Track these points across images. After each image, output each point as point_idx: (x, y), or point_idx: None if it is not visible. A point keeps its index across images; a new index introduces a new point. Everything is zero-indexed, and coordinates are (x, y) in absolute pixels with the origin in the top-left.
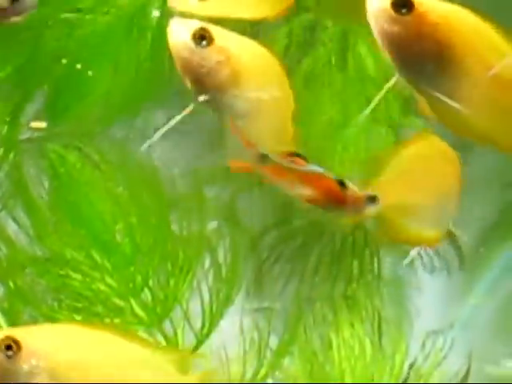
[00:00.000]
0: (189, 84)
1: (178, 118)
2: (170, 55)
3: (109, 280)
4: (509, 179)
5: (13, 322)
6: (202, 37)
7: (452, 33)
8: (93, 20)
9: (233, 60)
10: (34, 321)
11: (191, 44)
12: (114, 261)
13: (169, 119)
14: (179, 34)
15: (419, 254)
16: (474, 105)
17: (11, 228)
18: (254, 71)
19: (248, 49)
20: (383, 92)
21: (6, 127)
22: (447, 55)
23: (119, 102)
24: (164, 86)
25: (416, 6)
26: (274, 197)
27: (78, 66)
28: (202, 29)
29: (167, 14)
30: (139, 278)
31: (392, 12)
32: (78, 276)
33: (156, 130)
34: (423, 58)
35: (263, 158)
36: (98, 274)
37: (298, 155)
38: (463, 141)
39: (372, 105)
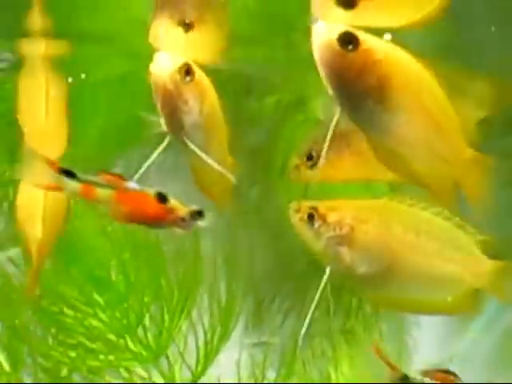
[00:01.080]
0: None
1: (155, 155)
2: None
3: (102, 316)
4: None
5: (12, 358)
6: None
7: (392, 70)
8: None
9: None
10: (33, 357)
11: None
12: (107, 297)
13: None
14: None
15: None
16: (408, 144)
17: (6, 265)
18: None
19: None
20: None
21: (5, 166)
22: (386, 92)
23: (114, 141)
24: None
25: (361, 42)
26: (273, 233)
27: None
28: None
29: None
30: (133, 315)
31: (338, 47)
32: (71, 312)
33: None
34: (364, 93)
35: (69, 176)
36: (91, 311)
37: (118, 175)
38: None
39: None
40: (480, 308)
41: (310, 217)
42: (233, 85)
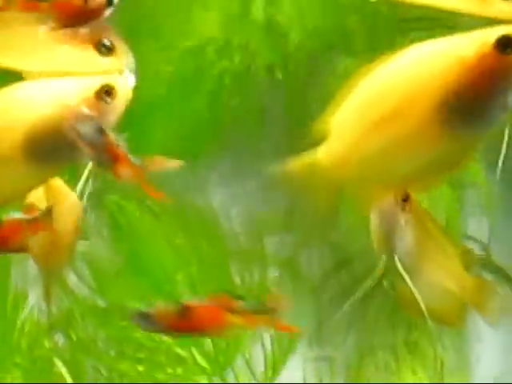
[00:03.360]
0: None
1: None
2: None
3: None
4: None
5: (75, 373)
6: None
7: None
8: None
9: None
10: (97, 372)
11: None
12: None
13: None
14: None
15: None
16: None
17: (71, 279)
18: None
19: None
20: None
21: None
22: None
23: (177, 151)
24: (222, 135)
25: None
26: (335, 246)
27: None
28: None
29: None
30: None
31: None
32: None
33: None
34: None
35: None
36: None
37: None
38: None
39: None
40: (465, 323)
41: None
42: None
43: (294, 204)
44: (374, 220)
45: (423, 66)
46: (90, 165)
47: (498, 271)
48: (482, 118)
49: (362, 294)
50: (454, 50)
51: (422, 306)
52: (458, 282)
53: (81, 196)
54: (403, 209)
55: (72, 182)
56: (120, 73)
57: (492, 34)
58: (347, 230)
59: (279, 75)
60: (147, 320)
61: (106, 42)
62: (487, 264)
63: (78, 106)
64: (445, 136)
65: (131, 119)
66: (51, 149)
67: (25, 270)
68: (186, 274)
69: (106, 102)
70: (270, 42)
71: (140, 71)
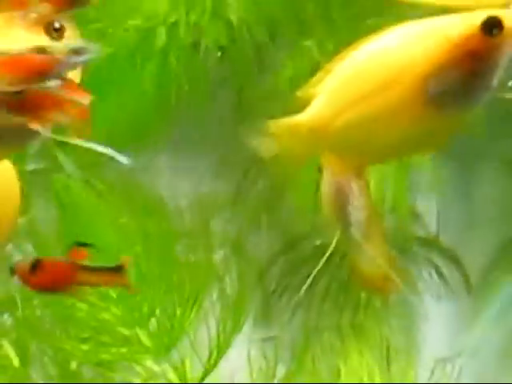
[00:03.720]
0: None
1: None
2: (176, 83)
3: (114, 309)
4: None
5: (21, 353)
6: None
7: None
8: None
9: None
10: (42, 352)
11: None
12: (119, 290)
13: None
14: None
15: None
16: None
17: (17, 259)
18: None
19: None
20: None
21: (12, 157)
22: None
23: (124, 132)
24: (169, 115)
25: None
26: (282, 226)
27: None
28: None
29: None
30: (145, 308)
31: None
32: (84, 306)
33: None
34: None
35: None
36: (103, 304)
37: None
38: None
39: None
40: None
41: None
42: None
43: (241, 184)
44: (327, 189)
45: (411, 43)
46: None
47: (445, 252)
48: (465, 97)
49: (308, 274)
50: (442, 29)
51: (387, 272)
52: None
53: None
54: (358, 175)
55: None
56: None
57: (479, 16)
58: (294, 209)
59: (228, 54)
60: (14, 274)
61: (57, 24)
62: (434, 245)
63: None
64: (428, 113)
65: None
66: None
67: None
68: (131, 253)
69: None
70: (219, 21)
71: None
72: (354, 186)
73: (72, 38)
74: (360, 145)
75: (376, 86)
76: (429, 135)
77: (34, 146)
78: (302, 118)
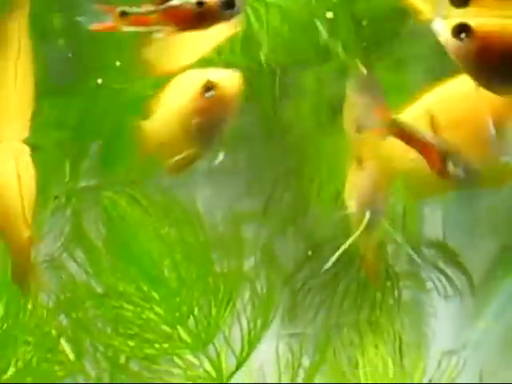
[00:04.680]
0: None
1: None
2: None
3: (157, 309)
4: None
5: (76, 349)
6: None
7: None
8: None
9: None
10: (94, 347)
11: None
12: (161, 293)
13: (208, 169)
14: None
15: (434, 281)
16: None
17: (72, 267)
18: None
19: None
20: None
21: (67, 176)
22: None
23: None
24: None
25: (474, 30)
26: (306, 235)
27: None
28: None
29: None
30: (184, 308)
31: (454, 38)
32: (131, 307)
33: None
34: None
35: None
36: (147, 305)
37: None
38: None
39: None
40: None
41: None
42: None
43: (269, 198)
44: (366, 182)
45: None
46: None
47: (450, 256)
48: None
49: (329, 277)
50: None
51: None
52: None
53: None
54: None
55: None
56: None
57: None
58: (316, 219)
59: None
60: None
61: None
62: (441, 249)
63: None
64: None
65: None
66: None
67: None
68: (172, 260)
69: None
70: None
71: None
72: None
73: None
74: None
75: (453, 120)
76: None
77: (84, 166)
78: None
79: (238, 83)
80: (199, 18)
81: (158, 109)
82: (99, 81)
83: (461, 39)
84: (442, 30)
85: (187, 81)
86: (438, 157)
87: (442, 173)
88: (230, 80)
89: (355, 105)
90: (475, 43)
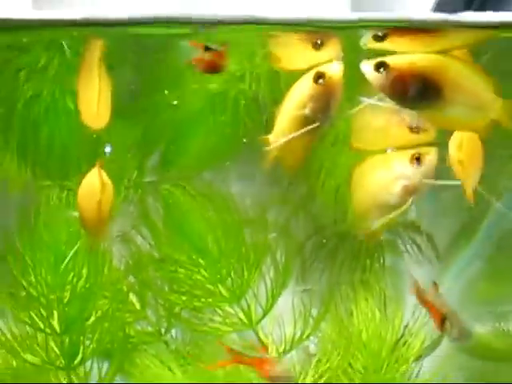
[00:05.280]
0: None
1: None
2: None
3: (203, 273)
4: None
5: (141, 301)
6: (381, 66)
7: (427, 71)
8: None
9: None
10: (156, 300)
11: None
12: (206, 260)
13: (242, 168)
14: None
15: (409, 251)
16: (454, 107)
17: (139, 239)
18: None
19: None
20: None
21: (135, 173)
22: (430, 86)
23: (210, 158)
24: (239, 148)
25: (390, 64)
26: (314, 217)
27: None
28: (379, 61)
29: None
30: (224, 271)
31: (376, 72)
32: (183, 270)
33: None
34: (414, 96)
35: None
36: (196, 269)
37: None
38: None
39: None
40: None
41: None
42: None
43: (287, 188)
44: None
45: None
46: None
47: (421, 231)
48: None
49: (332, 248)
50: None
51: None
52: None
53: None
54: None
55: (139, 175)
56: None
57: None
58: (322, 206)
59: None
60: None
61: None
62: (414, 226)
63: None
64: None
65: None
66: None
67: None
68: (214, 236)
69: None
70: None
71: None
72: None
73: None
74: None
75: None
76: None
77: (149, 165)
78: None
79: (340, 71)
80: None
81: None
82: (165, 98)
83: (380, 73)
84: (367, 68)
85: (300, 81)
86: (439, 316)
87: (441, 329)
88: (334, 69)
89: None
90: (391, 75)
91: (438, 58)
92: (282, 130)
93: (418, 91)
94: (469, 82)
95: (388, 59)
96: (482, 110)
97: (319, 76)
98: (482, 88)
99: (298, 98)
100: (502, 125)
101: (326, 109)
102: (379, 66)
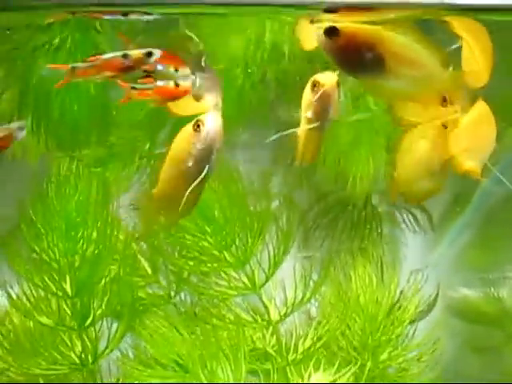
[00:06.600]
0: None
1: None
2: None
3: (210, 239)
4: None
5: (153, 266)
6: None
7: (377, 42)
8: None
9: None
10: (165, 265)
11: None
12: (213, 227)
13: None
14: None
15: (405, 220)
16: (402, 81)
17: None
18: None
19: None
20: None
21: (148, 144)
22: (377, 57)
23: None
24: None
25: (341, 30)
26: (315, 186)
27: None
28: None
29: None
30: (229, 238)
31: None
32: (191, 237)
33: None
34: (362, 64)
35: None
36: (203, 236)
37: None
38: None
39: None
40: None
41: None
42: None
43: (290, 163)
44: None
45: None
46: None
47: (418, 204)
48: None
49: (332, 217)
50: None
51: None
52: None
53: None
54: None
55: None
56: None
57: None
58: (323, 176)
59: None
60: None
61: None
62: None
63: None
64: None
65: None
66: None
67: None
68: (220, 205)
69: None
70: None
71: None
72: None
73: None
74: None
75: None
76: None
77: (159, 139)
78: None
79: (335, 80)
80: (127, 67)
81: None
82: None
83: (330, 38)
84: (318, 32)
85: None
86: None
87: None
88: (329, 78)
89: None
90: (341, 40)
91: (383, 30)
92: None
93: (362, 60)
94: (414, 55)
95: (338, 25)
96: (428, 82)
97: (314, 84)
98: (428, 61)
99: (303, 103)
100: (448, 96)
101: (326, 111)
102: (329, 31)
